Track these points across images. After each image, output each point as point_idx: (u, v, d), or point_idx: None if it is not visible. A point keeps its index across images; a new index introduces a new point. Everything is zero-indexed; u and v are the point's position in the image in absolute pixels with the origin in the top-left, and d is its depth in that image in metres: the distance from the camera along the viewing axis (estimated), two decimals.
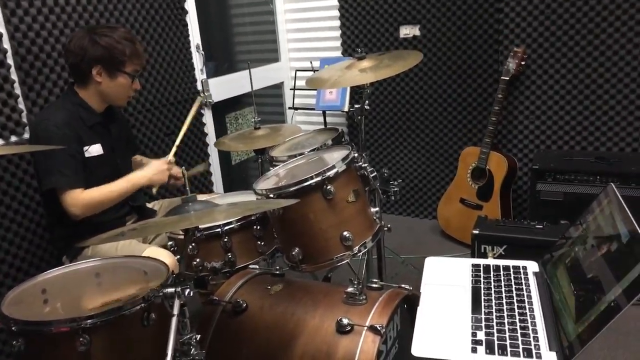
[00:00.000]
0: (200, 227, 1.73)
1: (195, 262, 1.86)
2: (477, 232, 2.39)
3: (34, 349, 1.26)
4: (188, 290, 1.18)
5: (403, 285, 1.61)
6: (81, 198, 1.86)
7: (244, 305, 1.62)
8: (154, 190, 2.15)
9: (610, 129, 2.83)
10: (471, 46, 3.07)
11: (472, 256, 2.43)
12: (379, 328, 1.40)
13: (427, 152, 3.42)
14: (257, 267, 1.89)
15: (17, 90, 2.16)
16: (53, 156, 1.81)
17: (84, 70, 1.91)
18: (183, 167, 1.42)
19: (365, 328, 1.43)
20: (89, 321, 1.23)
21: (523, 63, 2.86)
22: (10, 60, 2.12)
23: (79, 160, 1.89)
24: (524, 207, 3.15)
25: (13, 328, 1.25)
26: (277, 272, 1.80)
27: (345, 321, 1.44)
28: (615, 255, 1.01)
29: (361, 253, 1.61)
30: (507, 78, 2.84)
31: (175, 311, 1.15)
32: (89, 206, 1.87)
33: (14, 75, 2.14)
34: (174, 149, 2.18)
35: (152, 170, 2.01)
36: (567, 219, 2.38)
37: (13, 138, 2.15)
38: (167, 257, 1.82)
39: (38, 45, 2.20)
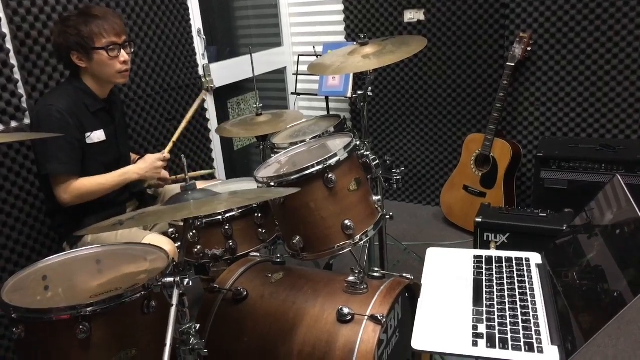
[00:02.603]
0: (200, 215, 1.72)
1: (196, 250, 1.86)
2: (480, 220, 2.38)
3: (34, 336, 1.26)
4: (187, 280, 1.17)
5: (404, 275, 1.60)
6: (73, 186, 1.86)
7: (245, 293, 1.62)
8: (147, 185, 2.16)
9: (617, 116, 2.79)
10: (477, 31, 3.02)
11: (475, 244, 2.41)
12: (379, 318, 1.40)
13: (431, 139, 3.39)
14: (258, 254, 1.88)
15: (17, 75, 2.14)
16: (52, 142, 1.80)
17: (67, 60, 1.91)
18: (183, 156, 1.39)
19: (366, 318, 1.42)
20: (89, 309, 1.23)
21: (529, 49, 2.82)
22: (9, 45, 2.10)
23: (77, 148, 1.88)
24: (528, 195, 3.13)
25: (13, 315, 1.25)
26: (278, 260, 1.80)
27: (346, 310, 1.44)
28: (620, 247, 1.00)
29: (363, 242, 1.60)
30: (513, 64, 2.80)
31: (174, 301, 1.14)
32: (78, 195, 1.87)
33: (13, 60, 2.12)
34: (170, 145, 2.17)
35: (146, 166, 2.01)
36: (571, 207, 2.36)
37: (13, 123, 2.14)
38: (168, 245, 1.82)
39: (37, 30, 2.18)
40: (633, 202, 1.06)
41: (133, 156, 2.29)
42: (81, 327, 1.22)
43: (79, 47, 1.87)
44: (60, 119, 1.83)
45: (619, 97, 2.76)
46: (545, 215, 2.32)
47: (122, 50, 1.92)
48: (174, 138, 2.20)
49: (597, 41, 2.73)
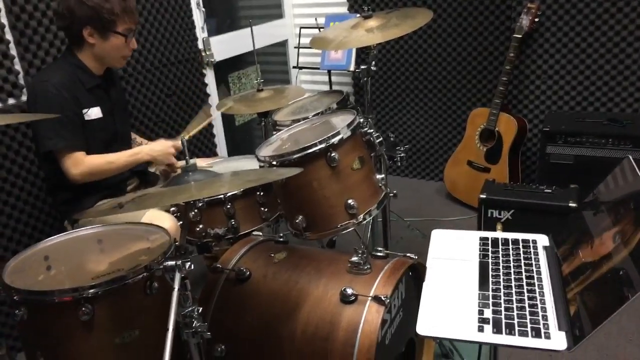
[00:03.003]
0: None
1: (198, 229, 1.85)
2: (484, 196, 2.35)
3: (36, 318, 1.26)
4: (189, 263, 1.16)
5: (408, 255, 1.59)
6: (84, 162, 1.83)
7: (247, 273, 1.61)
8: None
9: (625, 89, 2.74)
10: (483, 1, 2.94)
11: (479, 220, 2.40)
12: (383, 299, 1.39)
13: (435, 113, 3.34)
14: (261, 234, 1.87)
15: (13, 51, 2.10)
16: (51, 118, 1.76)
17: (75, 33, 1.84)
18: (182, 138, 1.37)
19: (370, 298, 1.41)
20: (91, 291, 1.23)
21: (537, 20, 2.75)
22: (4, 19, 2.06)
23: (78, 123, 1.85)
24: (533, 170, 3.09)
25: (15, 297, 1.25)
26: (281, 239, 1.78)
27: (349, 291, 1.43)
28: (631, 232, 0.97)
29: (366, 221, 1.58)
30: (520, 36, 2.73)
31: (176, 285, 1.14)
32: (90, 172, 1.85)
33: (8, 35, 2.08)
34: (187, 135, 2.08)
35: (160, 149, 1.97)
36: (577, 183, 2.33)
37: (11, 100, 2.11)
38: (169, 220, 1.81)
39: (32, 3, 2.12)
40: None
41: (140, 139, 2.26)
42: (84, 308, 1.22)
43: (98, 25, 1.81)
44: (57, 94, 1.79)
45: (627, 70, 2.70)
46: (550, 191, 2.30)
47: (132, 38, 1.90)
48: (192, 132, 2.10)
49: (607, 11, 2.65)
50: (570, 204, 2.18)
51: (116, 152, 1.92)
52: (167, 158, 1.98)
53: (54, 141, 1.80)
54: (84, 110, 1.88)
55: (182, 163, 2.09)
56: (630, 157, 1.11)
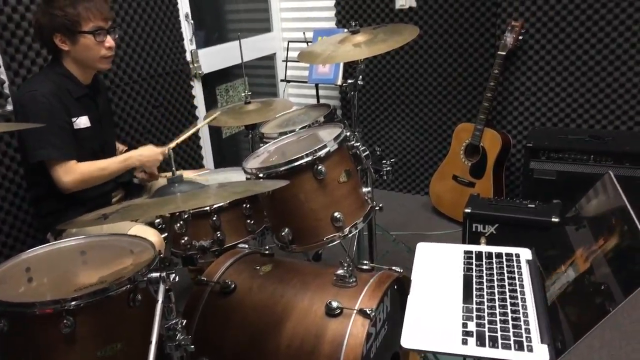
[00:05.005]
0: None
1: (183, 241, 1.84)
2: (469, 210, 2.38)
3: (17, 330, 1.24)
4: (173, 275, 1.15)
5: (393, 268, 1.59)
6: (76, 170, 1.81)
7: (233, 285, 1.60)
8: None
9: (606, 106, 2.79)
10: (468, 19, 3.00)
11: (464, 234, 2.42)
12: (368, 312, 1.39)
13: (421, 128, 3.38)
14: (247, 246, 1.86)
15: None
16: (42, 127, 1.74)
17: (48, 42, 1.84)
18: (168, 147, 1.36)
19: (355, 311, 1.41)
20: (73, 303, 1.21)
21: (520, 37, 2.80)
22: None
23: (69, 132, 1.84)
24: (517, 185, 3.13)
25: None
26: (267, 252, 1.78)
27: (334, 304, 1.43)
28: (612, 246, 0.99)
29: (352, 234, 1.59)
30: (504, 53, 2.79)
31: (160, 297, 1.12)
32: (82, 180, 1.83)
33: None
34: (174, 143, 2.06)
35: (148, 154, 1.96)
36: (559, 198, 2.36)
37: None
38: (154, 236, 1.79)
39: (20, 13, 2.12)
40: (624, 198, 1.05)
41: (121, 146, 2.25)
42: (65, 321, 1.20)
43: (64, 29, 1.81)
44: (47, 103, 1.78)
45: (608, 88, 2.76)
46: (533, 206, 2.33)
47: (108, 36, 1.87)
48: (179, 140, 2.09)
49: (589, 30, 2.71)
50: (553, 219, 2.21)
51: (107, 159, 1.90)
52: (155, 163, 1.98)
53: (47, 151, 1.77)
54: (73, 119, 1.87)
55: (167, 174, 2.10)
56: (611, 173, 1.13)
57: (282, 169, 1.49)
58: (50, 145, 1.77)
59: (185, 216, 1.48)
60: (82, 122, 1.90)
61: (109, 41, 1.88)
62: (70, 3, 1.80)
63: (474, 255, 1.33)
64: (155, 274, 1.16)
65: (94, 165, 1.87)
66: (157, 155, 1.98)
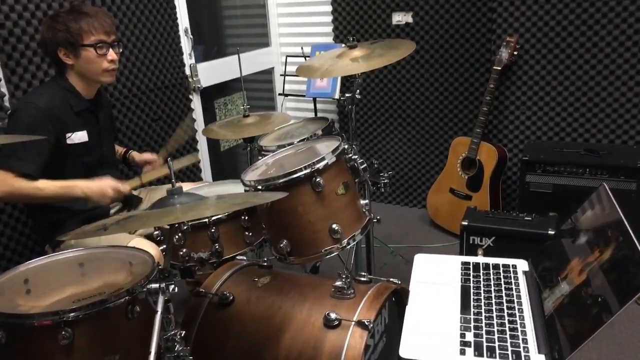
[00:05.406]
0: None
1: (182, 253, 1.84)
2: (466, 223, 2.39)
3: (15, 342, 1.23)
4: (172, 286, 1.16)
5: (391, 279, 1.60)
6: (6, 181, 1.75)
7: (231, 297, 1.60)
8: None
9: (601, 120, 2.82)
10: (464, 34, 3.04)
11: (461, 247, 2.43)
12: (366, 323, 1.39)
13: (418, 142, 3.40)
14: (245, 258, 1.87)
15: None
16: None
17: (53, 57, 1.88)
18: (169, 159, 1.38)
19: (353, 323, 1.42)
20: (71, 314, 1.20)
21: (515, 53, 2.84)
22: None
23: (43, 150, 1.80)
24: (513, 198, 3.15)
25: None
26: (265, 263, 1.78)
27: (332, 316, 1.43)
28: (607, 257, 1.00)
29: (350, 246, 1.59)
30: (499, 68, 2.82)
31: (159, 308, 1.13)
32: (8, 191, 1.76)
33: None
34: (137, 183, 2.03)
35: (95, 187, 1.85)
36: (555, 211, 2.38)
37: None
38: (152, 249, 1.79)
39: (20, 27, 2.14)
40: (619, 210, 1.07)
41: (119, 149, 2.25)
42: (63, 332, 1.20)
43: (66, 44, 1.84)
44: (34, 117, 1.79)
45: (603, 102, 2.79)
46: (530, 219, 2.34)
47: (111, 49, 1.90)
48: (144, 180, 2.05)
49: (583, 46, 2.75)
50: (549, 232, 2.22)
51: (49, 181, 1.82)
52: (104, 199, 1.87)
53: (9, 161, 1.75)
54: (68, 135, 1.88)
55: (167, 186, 2.09)
56: (605, 185, 1.14)
57: (280, 181, 1.51)
58: (14, 157, 1.75)
59: (184, 228, 1.49)
60: (78, 137, 1.91)
61: (111, 54, 1.90)
62: (73, 18, 1.83)
63: (471, 267, 1.34)
64: (155, 285, 1.17)
65: (31, 184, 1.78)
66: (107, 190, 1.85)
